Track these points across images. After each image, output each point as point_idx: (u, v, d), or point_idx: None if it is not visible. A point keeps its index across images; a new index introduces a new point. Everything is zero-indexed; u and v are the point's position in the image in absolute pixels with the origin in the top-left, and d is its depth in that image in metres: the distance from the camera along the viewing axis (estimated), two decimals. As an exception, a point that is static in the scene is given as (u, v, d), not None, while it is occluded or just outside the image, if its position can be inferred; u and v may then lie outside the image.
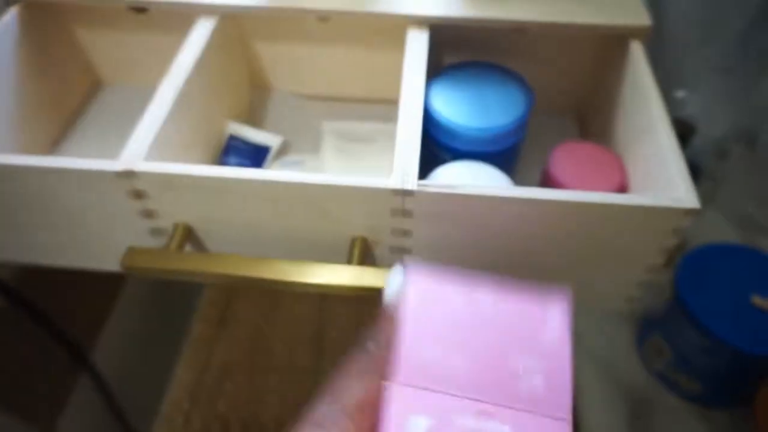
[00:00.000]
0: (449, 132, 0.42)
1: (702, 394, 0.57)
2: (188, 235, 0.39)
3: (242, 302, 0.74)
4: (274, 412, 0.65)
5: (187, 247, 0.40)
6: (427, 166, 0.42)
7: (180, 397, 0.66)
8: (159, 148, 0.37)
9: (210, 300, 0.74)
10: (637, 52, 0.42)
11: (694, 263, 0.57)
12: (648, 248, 0.35)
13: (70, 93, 0.55)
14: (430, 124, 0.43)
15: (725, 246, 0.58)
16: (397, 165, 0.34)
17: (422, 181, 0.33)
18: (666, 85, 0.58)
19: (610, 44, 0.46)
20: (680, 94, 0.61)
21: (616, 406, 0.61)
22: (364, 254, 0.37)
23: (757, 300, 0.52)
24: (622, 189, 0.40)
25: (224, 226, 0.39)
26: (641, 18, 0.43)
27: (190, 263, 0.36)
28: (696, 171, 0.67)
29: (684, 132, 0.62)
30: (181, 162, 0.38)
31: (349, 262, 0.36)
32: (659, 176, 0.35)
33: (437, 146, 0.43)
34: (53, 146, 0.52)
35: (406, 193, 0.33)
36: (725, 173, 0.72)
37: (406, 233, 0.36)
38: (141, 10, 0.49)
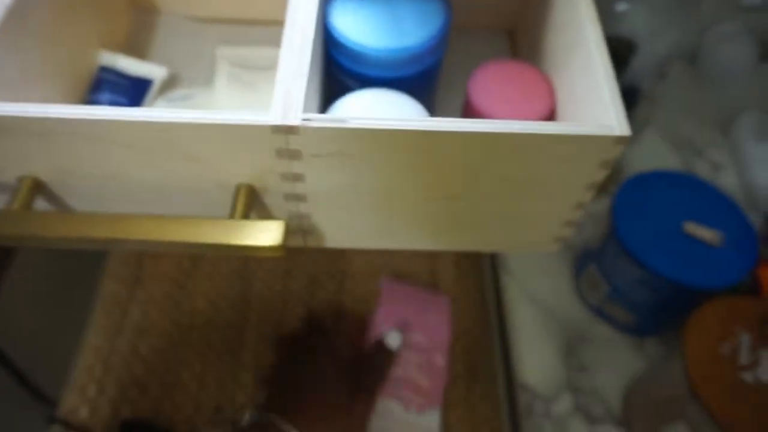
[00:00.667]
0: (354, 54, 0.36)
1: (636, 325, 0.56)
2: (38, 191, 0.32)
3: (158, 258, 0.68)
4: (196, 372, 0.61)
5: (39, 206, 0.33)
6: (334, 98, 0.36)
7: (91, 363, 0.60)
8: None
9: (121, 257, 0.68)
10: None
11: (629, 192, 0.54)
12: (575, 183, 0.31)
13: None
14: (332, 46, 0.37)
15: (662, 173, 0.55)
16: (277, 96, 0.27)
17: (307, 115, 0.27)
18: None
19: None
20: (621, 7, 0.56)
21: (551, 341, 0.59)
22: (250, 204, 0.31)
23: (690, 227, 0.50)
24: (551, 115, 0.35)
25: (83, 180, 0.32)
26: None
27: (34, 225, 0.29)
28: (635, 92, 0.63)
29: (623, 50, 0.58)
30: (21, 100, 0.31)
31: (231, 215, 0.30)
32: (588, 98, 0.30)
33: (342, 72, 0.37)
34: None
35: (288, 130, 0.27)
36: (665, 93, 0.69)
37: (297, 177, 0.30)
38: None
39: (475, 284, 0.69)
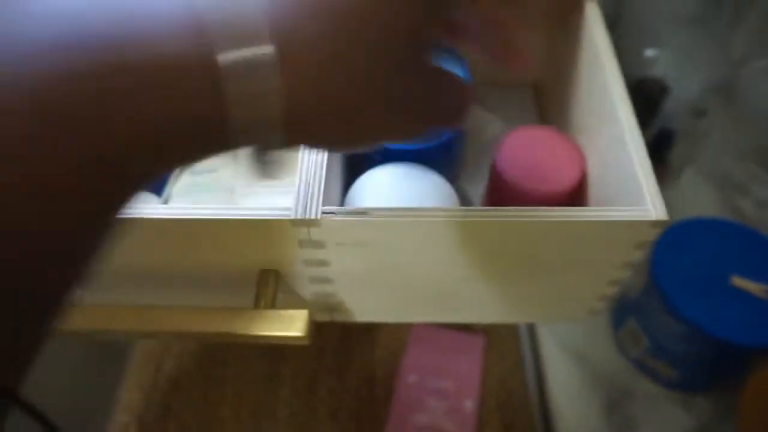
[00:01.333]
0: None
1: (681, 380, 0.53)
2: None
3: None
4: (230, 428, 0.60)
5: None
6: (356, 169, 0.36)
7: (126, 421, 0.61)
8: None
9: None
10: (593, 15, 0.36)
11: (670, 241, 0.51)
12: (610, 263, 0.29)
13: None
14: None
15: (704, 220, 0.53)
16: (297, 189, 0.27)
17: (327, 208, 0.26)
18: (635, 43, 0.52)
19: (563, 7, 0.39)
20: (650, 52, 0.54)
21: (592, 396, 0.57)
22: (276, 289, 0.31)
23: (737, 281, 0.48)
24: (581, 182, 0.34)
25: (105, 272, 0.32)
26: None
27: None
28: (670, 135, 0.61)
29: (655, 93, 0.56)
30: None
31: (257, 302, 0.30)
32: (621, 176, 0.29)
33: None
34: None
35: (309, 223, 0.27)
36: (703, 131, 0.66)
37: (322, 263, 0.30)
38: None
39: (508, 329, 0.67)
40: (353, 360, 0.64)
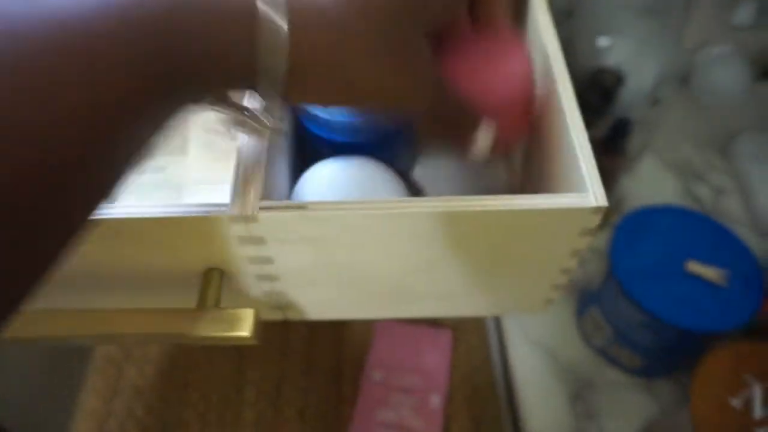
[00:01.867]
0: (321, 120, 0.35)
1: (643, 367, 0.54)
2: None
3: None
4: (195, 431, 0.59)
5: None
6: (308, 163, 0.35)
7: (88, 428, 0.59)
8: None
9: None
10: (539, 5, 0.35)
11: (628, 229, 0.52)
12: (558, 251, 0.29)
13: None
14: (299, 113, 0.36)
15: (661, 208, 0.53)
16: (233, 184, 0.26)
17: (264, 203, 0.26)
18: (589, 33, 0.52)
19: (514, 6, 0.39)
20: (604, 42, 0.55)
21: (558, 387, 0.57)
22: (220, 288, 0.30)
23: (692, 266, 0.48)
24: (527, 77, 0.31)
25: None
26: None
27: None
28: (627, 124, 0.61)
29: (610, 82, 0.56)
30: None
31: (201, 301, 0.29)
32: (564, 163, 0.29)
33: (312, 138, 0.36)
34: None
35: (247, 219, 0.26)
36: (659, 119, 0.67)
37: (265, 260, 0.29)
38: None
39: (475, 324, 0.67)
40: (320, 359, 0.64)
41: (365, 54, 0.21)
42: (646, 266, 0.49)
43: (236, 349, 0.64)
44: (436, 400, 0.58)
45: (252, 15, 0.19)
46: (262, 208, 0.26)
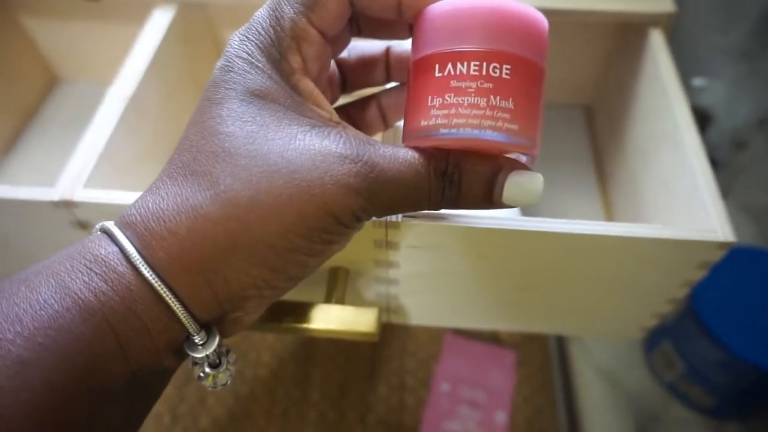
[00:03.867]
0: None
1: (714, 407, 0.54)
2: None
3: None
4: (260, 427, 0.61)
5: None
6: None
7: (162, 411, 0.62)
8: (104, 169, 0.32)
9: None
10: (657, 43, 0.37)
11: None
12: (671, 282, 0.30)
13: (25, 90, 0.50)
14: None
15: (744, 249, 0.53)
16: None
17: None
18: (683, 72, 0.53)
19: (626, 32, 0.41)
20: (698, 82, 0.56)
21: (622, 419, 0.57)
22: (345, 287, 0.32)
23: (779, 310, 0.48)
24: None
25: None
26: (664, 3, 0.38)
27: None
28: (713, 164, 0.62)
29: (701, 122, 0.57)
30: (133, 186, 0.33)
31: (328, 297, 0.31)
32: (686, 197, 0.30)
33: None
34: (8, 148, 0.47)
35: (390, 225, 0.28)
36: (743, 163, 0.67)
37: (391, 264, 0.31)
38: (92, -2, 0.43)
39: (539, 347, 0.67)
40: (384, 367, 0.65)
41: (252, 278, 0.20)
42: (729, 304, 0.49)
43: (304, 350, 0.67)
44: (501, 417, 0.59)
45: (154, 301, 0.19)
46: (405, 216, 0.28)
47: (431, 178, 0.20)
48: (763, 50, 0.56)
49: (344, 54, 0.26)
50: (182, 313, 0.19)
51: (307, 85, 0.21)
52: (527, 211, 0.42)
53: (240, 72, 0.20)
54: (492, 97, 0.19)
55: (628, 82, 0.40)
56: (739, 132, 0.60)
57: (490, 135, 0.19)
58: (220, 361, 0.22)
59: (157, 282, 0.19)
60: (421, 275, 0.32)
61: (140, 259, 0.19)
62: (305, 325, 0.29)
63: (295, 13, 0.21)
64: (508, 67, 0.19)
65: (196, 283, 0.19)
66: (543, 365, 0.66)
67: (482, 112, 0.19)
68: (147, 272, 0.19)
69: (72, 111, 0.50)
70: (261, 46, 0.21)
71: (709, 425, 0.55)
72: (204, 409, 0.63)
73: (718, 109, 0.57)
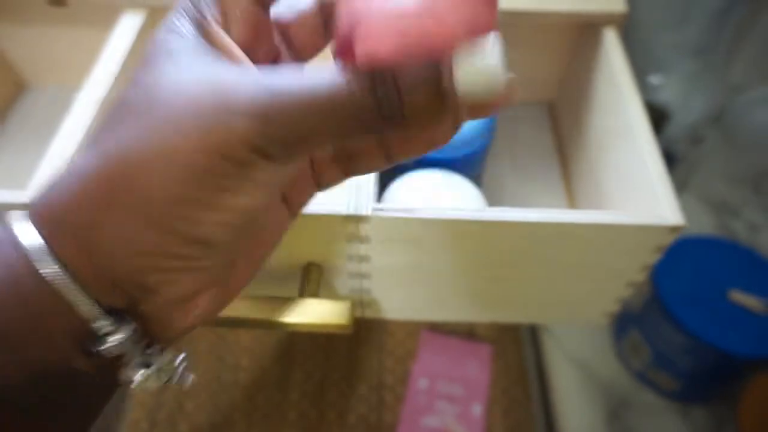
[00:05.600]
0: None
1: (681, 391, 0.56)
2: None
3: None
4: (240, 429, 0.61)
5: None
6: (386, 174, 0.38)
7: (139, 417, 0.62)
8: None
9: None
10: (611, 41, 0.39)
11: (670, 257, 0.54)
12: (629, 266, 0.32)
13: (-12, 98, 0.49)
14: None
15: (703, 238, 0.56)
16: (350, 186, 0.30)
17: (378, 205, 0.29)
18: (639, 69, 0.55)
19: (582, 32, 0.43)
20: (654, 79, 0.58)
21: (594, 406, 0.59)
22: (319, 282, 0.33)
23: (736, 295, 0.51)
24: None
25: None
26: (616, 3, 0.40)
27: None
28: (671, 158, 0.64)
29: (658, 119, 0.59)
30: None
31: (301, 292, 0.32)
32: (639, 185, 0.32)
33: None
34: (-31, 161, 0.47)
35: (360, 219, 0.29)
36: (700, 157, 0.70)
37: (363, 258, 0.32)
38: (59, 3, 0.43)
39: (513, 340, 0.69)
40: (362, 365, 0.66)
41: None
42: (690, 292, 0.52)
43: (282, 351, 0.67)
44: (477, 409, 0.60)
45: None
46: (375, 209, 0.29)
47: (358, 91, 0.16)
48: (715, 47, 0.58)
49: (285, 17, 0.20)
50: (61, 279, 0.16)
51: (224, 39, 0.18)
52: (491, 197, 0.43)
53: (160, 43, 0.18)
54: None
55: (586, 80, 0.41)
56: (696, 127, 0.62)
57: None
58: (150, 363, 0.19)
59: (32, 248, 0.16)
60: (393, 269, 0.33)
61: (19, 229, 0.16)
62: (278, 319, 0.30)
63: None
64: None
65: (79, 255, 0.16)
66: (518, 358, 0.67)
67: None
68: (25, 242, 0.16)
69: (41, 117, 0.50)
70: (185, 11, 0.18)
71: (676, 409, 0.57)
72: (183, 414, 0.63)
73: (675, 105, 0.59)
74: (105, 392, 0.19)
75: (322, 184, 0.22)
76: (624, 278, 0.33)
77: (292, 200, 0.22)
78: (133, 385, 0.18)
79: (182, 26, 0.18)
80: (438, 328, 0.68)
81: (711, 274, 0.53)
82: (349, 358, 0.67)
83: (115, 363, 0.18)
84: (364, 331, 0.69)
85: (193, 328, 0.19)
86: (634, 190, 0.32)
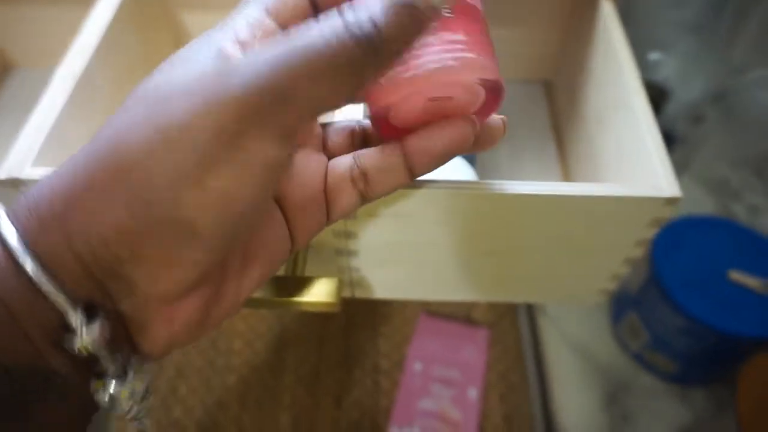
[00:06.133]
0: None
1: (679, 373, 0.55)
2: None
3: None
4: (233, 415, 0.61)
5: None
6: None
7: (132, 403, 0.61)
8: (54, 148, 0.31)
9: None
10: (608, 14, 0.38)
11: (669, 238, 0.53)
12: (625, 240, 0.31)
13: (-29, 79, 0.48)
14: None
15: (702, 218, 0.55)
16: (334, 159, 0.29)
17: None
18: (639, 47, 0.54)
19: (578, 4, 0.41)
20: (654, 56, 0.57)
21: (592, 389, 0.58)
22: (306, 259, 0.32)
23: (735, 275, 0.50)
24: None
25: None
26: (612, -27, 0.38)
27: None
28: (670, 138, 0.63)
29: (658, 97, 0.58)
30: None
31: (287, 271, 0.31)
32: (636, 158, 0.31)
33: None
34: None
35: (345, 192, 0.28)
36: (700, 137, 0.69)
37: (350, 235, 0.31)
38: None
39: (511, 324, 0.68)
40: (357, 350, 0.66)
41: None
42: (688, 273, 0.51)
43: (276, 336, 0.67)
44: (473, 393, 0.60)
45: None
46: (360, 182, 0.28)
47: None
48: (716, 26, 0.57)
49: None
50: (35, 269, 0.15)
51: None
52: (486, 176, 0.42)
53: (179, 53, 0.18)
54: (442, 33, 0.19)
55: (584, 54, 0.40)
56: (696, 106, 0.61)
57: (452, 63, 0.19)
58: (125, 372, 0.17)
59: (12, 238, 0.15)
60: (381, 246, 0.32)
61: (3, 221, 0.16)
62: (264, 297, 0.29)
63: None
64: (447, 8, 0.19)
65: (61, 243, 0.16)
66: (515, 342, 0.67)
67: (438, 47, 0.19)
68: (6, 233, 0.15)
69: (23, 97, 0.49)
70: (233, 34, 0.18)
71: (675, 391, 0.57)
72: (177, 399, 0.62)
73: (674, 84, 0.58)
74: (80, 409, 0.17)
75: (334, 211, 0.21)
76: (620, 253, 0.32)
77: (297, 224, 0.21)
78: (102, 400, 0.17)
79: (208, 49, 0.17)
80: (436, 313, 0.68)
81: (710, 254, 0.52)
82: (345, 342, 0.66)
83: (89, 367, 0.17)
84: (360, 316, 0.68)
85: (176, 343, 0.18)
86: (631, 163, 0.31)
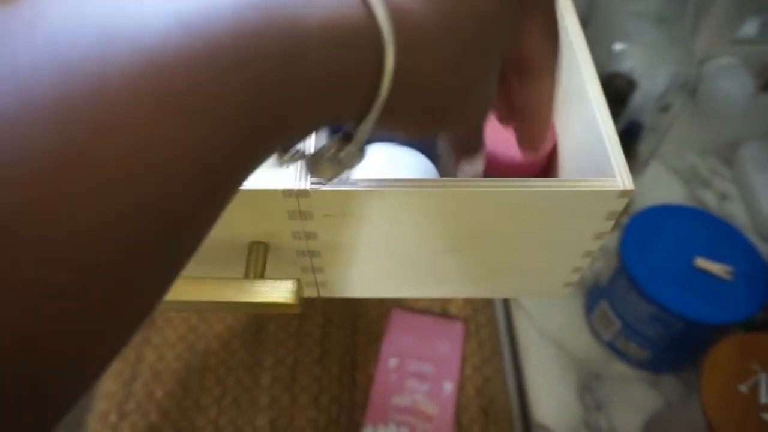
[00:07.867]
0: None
1: (650, 360, 0.56)
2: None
3: (171, 300, 0.68)
4: (212, 416, 0.61)
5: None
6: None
7: (107, 409, 0.61)
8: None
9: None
10: (564, 4, 0.38)
11: (637, 227, 0.54)
12: (582, 234, 0.31)
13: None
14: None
15: (670, 207, 0.56)
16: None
17: (316, 179, 0.28)
18: (605, 38, 0.54)
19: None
20: (619, 46, 0.57)
21: (567, 379, 0.59)
22: (265, 261, 0.32)
23: (700, 262, 0.50)
24: (553, 154, 0.36)
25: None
26: (568, -34, 0.38)
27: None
28: (638, 127, 0.64)
29: (624, 87, 0.59)
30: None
31: (246, 273, 0.31)
32: (590, 149, 0.31)
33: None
34: None
35: (299, 194, 0.28)
36: (667, 126, 0.70)
37: (309, 235, 0.31)
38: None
39: (487, 318, 0.69)
40: (334, 347, 0.66)
41: (459, 79, 0.19)
42: (656, 262, 0.51)
43: (252, 336, 0.66)
44: (448, 387, 0.60)
45: (374, 35, 0.16)
46: (313, 184, 0.28)
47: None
48: (679, 16, 0.58)
49: None
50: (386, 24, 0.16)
51: None
52: (447, 173, 0.42)
53: None
54: None
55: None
56: (663, 96, 0.62)
57: None
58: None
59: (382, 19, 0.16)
60: (342, 245, 0.32)
61: None
62: (220, 300, 0.29)
63: None
64: None
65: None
66: (491, 335, 0.67)
67: None
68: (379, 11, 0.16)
69: None
70: None
71: (647, 378, 0.57)
72: (153, 403, 0.62)
73: (640, 74, 0.59)
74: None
75: None
76: (579, 247, 0.32)
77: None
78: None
79: None
80: (410, 307, 0.68)
81: (678, 242, 0.53)
82: (321, 340, 0.66)
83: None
84: (337, 313, 0.68)
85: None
86: (587, 157, 0.32)
